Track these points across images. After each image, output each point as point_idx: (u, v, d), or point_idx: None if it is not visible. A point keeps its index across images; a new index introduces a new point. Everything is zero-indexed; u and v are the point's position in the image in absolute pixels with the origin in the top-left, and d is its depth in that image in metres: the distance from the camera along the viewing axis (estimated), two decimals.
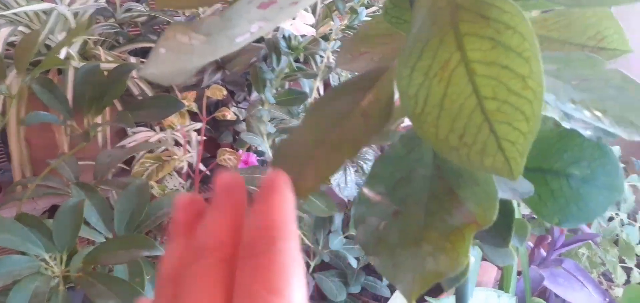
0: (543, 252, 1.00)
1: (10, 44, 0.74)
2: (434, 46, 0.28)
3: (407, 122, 0.38)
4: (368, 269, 1.03)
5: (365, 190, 0.32)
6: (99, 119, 0.61)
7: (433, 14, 0.27)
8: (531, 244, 1.01)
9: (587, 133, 0.32)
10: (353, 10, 0.68)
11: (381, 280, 1.01)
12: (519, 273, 0.99)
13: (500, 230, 0.33)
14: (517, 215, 0.40)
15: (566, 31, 0.37)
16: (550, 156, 0.34)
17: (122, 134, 0.90)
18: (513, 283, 0.94)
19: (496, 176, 0.32)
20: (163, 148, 0.84)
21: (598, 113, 0.29)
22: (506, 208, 0.34)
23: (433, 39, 0.28)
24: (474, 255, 0.82)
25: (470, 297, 0.85)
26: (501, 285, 0.97)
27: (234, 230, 0.24)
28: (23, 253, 0.50)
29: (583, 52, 0.34)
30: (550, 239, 0.97)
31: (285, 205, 0.23)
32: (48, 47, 0.79)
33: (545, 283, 1.01)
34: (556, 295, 1.01)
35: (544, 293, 1.08)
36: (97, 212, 0.59)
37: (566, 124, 0.30)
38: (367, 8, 0.72)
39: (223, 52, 0.30)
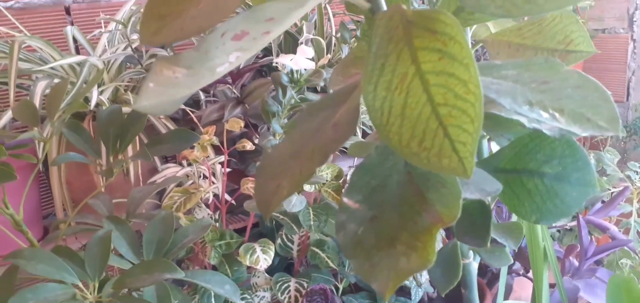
0: (575, 262, 0.98)
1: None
2: (393, 61, 0.30)
3: None
4: (400, 290, 1.04)
5: (345, 199, 0.34)
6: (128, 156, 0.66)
7: (389, 32, 0.30)
8: (563, 251, 0.99)
9: (551, 133, 0.33)
10: (359, 40, 0.71)
11: (411, 298, 1.01)
12: (552, 285, 0.97)
13: (478, 231, 0.35)
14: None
15: (539, 37, 0.39)
16: (525, 157, 0.36)
17: (153, 171, 0.96)
18: (545, 296, 0.92)
19: (465, 179, 0.34)
20: (191, 181, 0.89)
21: (554, 112, 0.31)
22: (483, 210, 0.35)
23: (391, 55, 0.30)
24: (500, 265, 0.81)
25: None
26: (533, 299, 0.95)
27: None
28: (60, 282, 0.54)
29: (543, 57, 0.36)
30: (579, 248, 0.95)
31: None
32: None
33: (582, 294, 0.99)
34: None
35: None
36: (126, 243, 0.64)
37: (529, 126, 0.32)
38: None
39: (206, 81, 0.34)
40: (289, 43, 1.07)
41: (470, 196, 0.32)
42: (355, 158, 1.08)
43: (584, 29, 0.36)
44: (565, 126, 0.30)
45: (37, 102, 0.81)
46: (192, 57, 0.31)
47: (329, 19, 1.14)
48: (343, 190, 0.83)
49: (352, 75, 0.48)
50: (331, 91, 0.83)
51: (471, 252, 0.47)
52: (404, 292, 1.02)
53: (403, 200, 0.32)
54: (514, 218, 0.91)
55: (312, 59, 0.64)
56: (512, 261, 0.42)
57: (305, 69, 0.68)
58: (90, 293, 0.56)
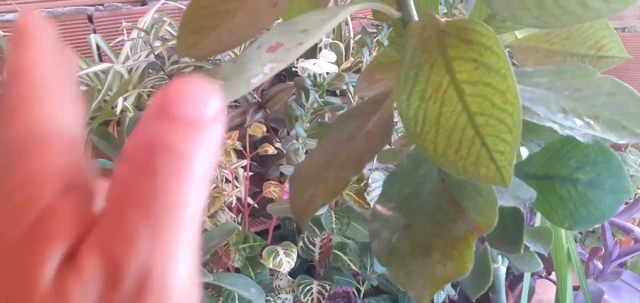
0: (599, 265, 0.97)
1: None
2: (427, 71, 0.31)
3: None
4: None
5: (378, 207, 0.35)
6: None
7: (422, 42, 0.31)
8: (586, 253, 0.99)
9: (584, 140, 0.33)
10: (380, 44, 0.71)
11: (433, 300, 1.01)
12: (576, 288, 0.96)
13: (512, 237, 0.35)
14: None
15: (567, 42, 0.39)
16: (557, 163, 0.36)
17: None
18: (569, 299, 0.92)
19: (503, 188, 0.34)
20: (214, 185, 0.90)
21: (589, 120, 0.31)
22: (516, 216, 0.35)
23: (425, 64, 0.31)
24: (530, 270, 0.81)
25: None
26: (557, 302, 0.95)
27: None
28: None
29: (575, 64, 0.36)
30: (603, 251, 0.94)
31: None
32: (106, 102, 0.87)
33: (606, 297, 0.98)
34: None
35: None
36: None
37: (563, 133, 0.32)
38: None
39: (240, 93, 0.34)
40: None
41: (505, 204, 0.32)
42: (374, 161, 1.09)
43: (615, 34, 0.36)
44: (600, 134, 0.30)
45: None
46: (229, 69, 0.31)
47: (346, 23, 1.14)
48: (366, 194, 0.84)
49: (377, 80, 0.49)
50: (355, 95, 0.83)
51: (499, 256, 0.47)
52: None
53: (437, 207, 0.33)
54: (537, 221, 0.91)
55: (335, 63, 0.65)
56: (541, 266, 0.42)
57: (327, 73, 0.68)
58: None
